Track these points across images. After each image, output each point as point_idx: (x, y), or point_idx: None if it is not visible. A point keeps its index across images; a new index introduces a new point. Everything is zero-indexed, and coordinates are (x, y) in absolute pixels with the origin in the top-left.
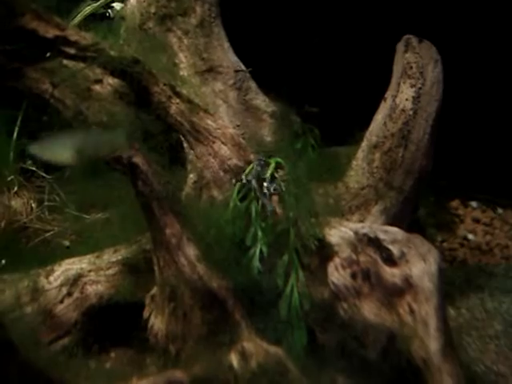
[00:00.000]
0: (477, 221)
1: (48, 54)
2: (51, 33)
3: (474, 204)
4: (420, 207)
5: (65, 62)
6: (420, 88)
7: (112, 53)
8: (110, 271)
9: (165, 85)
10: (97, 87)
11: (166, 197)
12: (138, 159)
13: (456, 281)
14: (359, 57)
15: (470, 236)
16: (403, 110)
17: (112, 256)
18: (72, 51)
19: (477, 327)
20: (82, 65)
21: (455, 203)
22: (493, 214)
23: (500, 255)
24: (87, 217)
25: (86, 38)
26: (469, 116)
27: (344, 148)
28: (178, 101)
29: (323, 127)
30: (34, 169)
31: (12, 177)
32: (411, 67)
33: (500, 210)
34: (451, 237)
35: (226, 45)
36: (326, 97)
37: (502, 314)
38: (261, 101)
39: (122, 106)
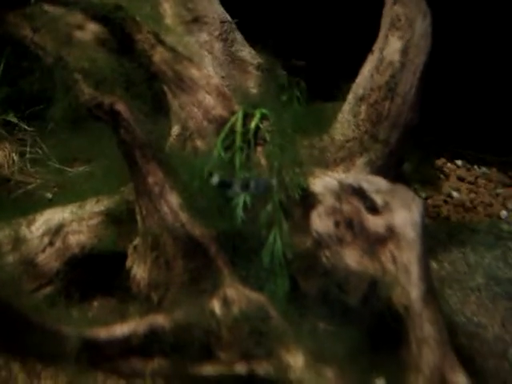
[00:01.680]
0: (461, 179)
1: None
2: None
3: (459, 162)
4: (405, 162)
5: (45, 7)
6: (408, 40)
7: None
8: (93, 221)
9: (148, 32)
10: (78, 33)
11: (148, 144)
12: (120, 106)
13: (439, 236)
14: (347, 9)
15: (455, 193)
16: (390, 63)
17: (94, 206)
18: None
19: (459, 280)
20: (62, 10)
21: (441, 161)
22: (477, 173)
23: (483, 213)
24: (70, 170)
25: None
26: (457, 71)
27: (331, 103)
28: (161, 49)
29: (309, 80)
30: (15, 121)
31: None
32: (400, 19)
33: (485, 169)
34: (435, 193)
35: None
36: (313, 49)
37: (483, 268)
38: (246, 53)
39: (104, 52)
